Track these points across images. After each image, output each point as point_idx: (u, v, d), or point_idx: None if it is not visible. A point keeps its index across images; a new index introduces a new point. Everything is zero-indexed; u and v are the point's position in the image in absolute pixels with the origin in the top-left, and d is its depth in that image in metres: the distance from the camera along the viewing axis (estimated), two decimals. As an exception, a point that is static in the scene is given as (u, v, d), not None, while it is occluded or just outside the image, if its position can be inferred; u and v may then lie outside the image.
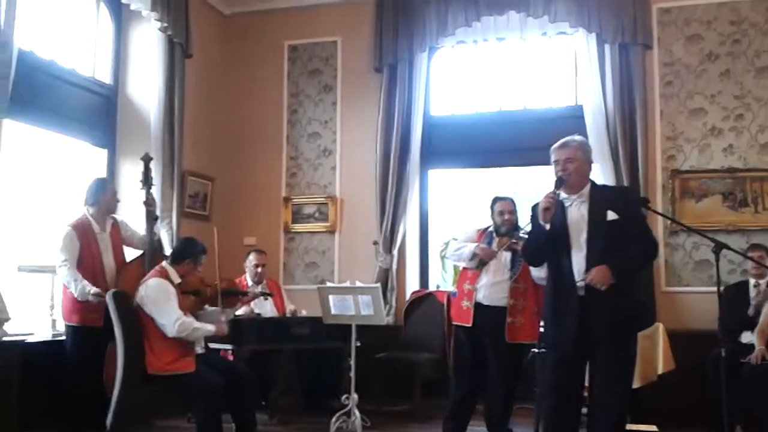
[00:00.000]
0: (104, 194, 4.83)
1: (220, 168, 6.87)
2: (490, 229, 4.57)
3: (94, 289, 4.50)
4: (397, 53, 6.48)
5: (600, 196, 3.49)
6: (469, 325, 4.43)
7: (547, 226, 3.39)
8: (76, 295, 4.54)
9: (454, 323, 4.63)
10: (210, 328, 4.27)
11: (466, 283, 4.52)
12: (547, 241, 3.45)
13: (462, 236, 4.74)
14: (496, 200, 4.59)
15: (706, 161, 5.89)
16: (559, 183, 3.45)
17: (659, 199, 5.91)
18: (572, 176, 3.47)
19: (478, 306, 4.41)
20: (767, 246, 5.27)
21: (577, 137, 3.62)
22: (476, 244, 4.47)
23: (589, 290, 3.35)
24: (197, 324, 4.21)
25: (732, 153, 5.84)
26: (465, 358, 4.56)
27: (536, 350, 4.62)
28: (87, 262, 4.66)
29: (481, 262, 4.41)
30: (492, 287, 4.39)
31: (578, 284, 3.35)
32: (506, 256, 4.41)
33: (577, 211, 3.47)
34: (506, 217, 4.46)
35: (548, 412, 3.57)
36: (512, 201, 4.53)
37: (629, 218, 3.44)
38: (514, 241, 4.34)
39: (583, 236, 3.41)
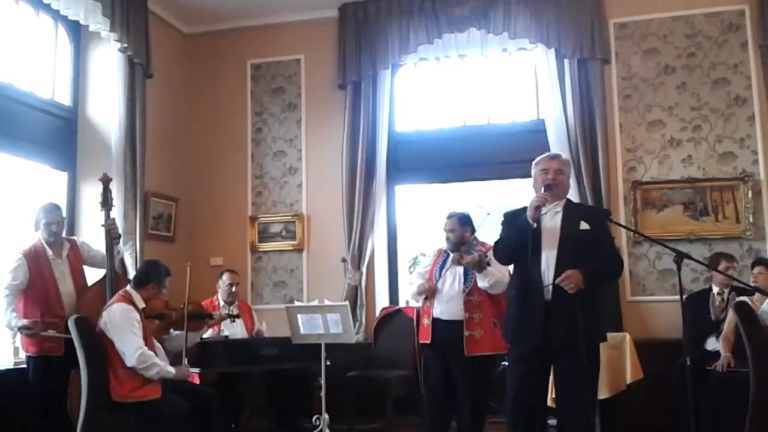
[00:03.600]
0: (38, 222, 4.63)
1: (184, 188, 6.80)
2: (445, 247, 4.69)
3: (21, 322, 4.33)
4: (361, 70, 6.50)
5: (574, 210, 3.65)
6: (428, 341, 4.52)
7: (534, 224, 3.46)
8: (5, 325, 4.39)
9: (420, 342, 4.71)
10: (170, 371, 4.14)
11: (426, 300, 4.62)
12: (527, 241, 3.48)
13: (425, 259, 4.88)
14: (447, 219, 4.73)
15: (665, 172, 6.00)
16: (549, 188, 3.55)
17: (621, 210, 5.99)
18: (557, 187, 3.59)
19: (437, 321, 4.48)
20: (734, 255, 5.37)
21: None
22: (420, 282, 4.60)
23: (555, 296, 3.41)
24: (158, 361, 4.09)
25: (691, 163, 5.96)
26: (434, 376, 4.60)
27: (506, 363, 4.64)
28: (39, 289, 4.49)
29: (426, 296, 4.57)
30: (448, 302, 4.47)
31: (546, 287, 3.40)
32: (459, 270, 4.50)
33: (551, 220, 3.57)
34: (451, 234, 4.59)
35: (514, 428, 3.58)
36: (456, 218, 4.60)
37: (601, 233, 3.58)
38: (465, 255, 4.42)
39: (555, 243, 3.49)
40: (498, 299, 4.38)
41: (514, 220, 3.66)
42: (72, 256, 4.75)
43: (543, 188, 3.55)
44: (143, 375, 4.01)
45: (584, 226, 3.51)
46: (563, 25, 6.09)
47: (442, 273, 4.57)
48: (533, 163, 3.75)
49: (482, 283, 4.33)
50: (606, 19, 6.19)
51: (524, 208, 3.63)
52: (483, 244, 4.42)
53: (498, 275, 4.27)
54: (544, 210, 3.57)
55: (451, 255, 4.55)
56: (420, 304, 4.68)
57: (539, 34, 6.11)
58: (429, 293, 4.52)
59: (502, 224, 3.77)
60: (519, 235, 3.51)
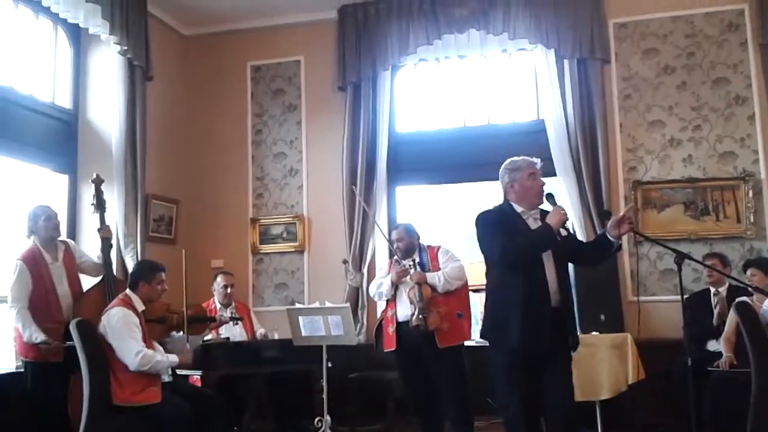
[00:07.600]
0: (35, 223, 4.62)
1: (184, 190, 6.80)
2: (396, 257, 4.82)
3: (41, 337, 4.33)
4: (361, 72, 6.50)
5: (545, 216, 3.56)
6: (394, 348, 4.62)
7: (558, 238, 3.43)
8: (24, 340, 4.38)
9: (385, 351, 4.75)
10: (173, 359, 4.19)
11: (389, 310, 4.72)
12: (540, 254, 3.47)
13: (379, 273, 5.08)
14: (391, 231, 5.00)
15: (666, 172, 5.99)
16: (551, 197, 3.52)
17: (622, 210, 5.93)
18: None
19: (402, 325, 4.58)
20: (721, 254, 5.39)
21: None
22: (387, 278, 4.72)
23: (561, 303, 3.44)
24: (160, 356, 4.12)
25: (691, 163, 5.95)
26: (411, 381, 4.69)
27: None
28: (40, 294, 4.47)
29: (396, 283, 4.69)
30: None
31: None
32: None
33: (534, 225, 3.52)
34: (400, 243, 4.75)
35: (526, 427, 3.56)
36: (402, 228, 4.82)
37: (573, 236, 3.82)
38: (415, 260, 4.68)
39: (550, 250, 3.45)
40: (456, 292, 4.64)
41: (504, 225, 3.52)
42: (67, 258, 4.74)
43: (546, 197, 3.50)
44: (151, 374, 4.04)
45: (562, 232, 3.51)
46: (563, 26, 6.09)
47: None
48: (510, 167, 3.59)
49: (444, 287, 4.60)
50: (605, 19, 6.19)
51: (500, 210, 3.58)
52: (430, 247, 4.76)
53: (443, 278, 4.58)
54: (525, 215, 3.53)
55: (400, 265, 4.69)
56: (386, 298, 4.74)
57: (539, 35, 6.11)
58: (403, 275, 4.62)
59: (488, 228, 3.56)
60: (536, 248, 3.43)
